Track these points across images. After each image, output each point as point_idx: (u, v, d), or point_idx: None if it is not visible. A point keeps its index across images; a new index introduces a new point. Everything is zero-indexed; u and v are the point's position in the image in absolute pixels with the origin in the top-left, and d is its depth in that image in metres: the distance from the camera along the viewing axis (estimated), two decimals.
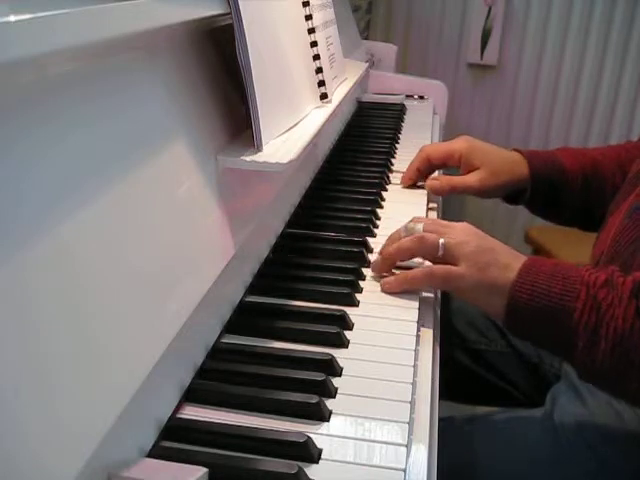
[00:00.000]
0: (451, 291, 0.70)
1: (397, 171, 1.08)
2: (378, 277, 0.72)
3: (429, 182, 0.97)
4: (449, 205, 1.04)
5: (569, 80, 2.05)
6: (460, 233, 0.67)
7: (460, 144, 0.96)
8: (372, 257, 0.77)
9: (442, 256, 0.66)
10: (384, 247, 0.72)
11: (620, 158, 0.95)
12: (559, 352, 0.64)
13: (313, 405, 0.50)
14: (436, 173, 1.02)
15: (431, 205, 0.98)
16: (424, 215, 0.92)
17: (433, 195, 0.99)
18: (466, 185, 0.94)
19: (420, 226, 0.70)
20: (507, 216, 2.03)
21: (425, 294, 0.71)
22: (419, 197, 0.98)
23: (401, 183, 1.03)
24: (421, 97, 1.65)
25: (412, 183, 1.02)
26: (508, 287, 0.62)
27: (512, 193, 0.97)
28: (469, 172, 0.94)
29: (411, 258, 0.71)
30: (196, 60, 0.60)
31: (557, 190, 0.94)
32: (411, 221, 0.72)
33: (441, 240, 0.66)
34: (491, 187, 0.93)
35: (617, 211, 0.81)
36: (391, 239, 0.72)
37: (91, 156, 0.41)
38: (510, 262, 0.64)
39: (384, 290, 0.69)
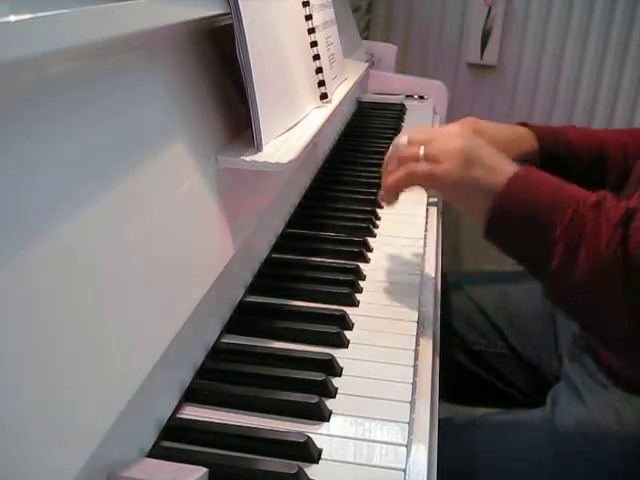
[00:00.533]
0: (436, 190, 0.69)
1: None
2: (375, 276, 0.72)
3: None
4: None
5: (569, 80, 2.05)
6: (443, 134, 0.66)
7: (467, 123, 0.96)
8: (372, 257, 0.77)
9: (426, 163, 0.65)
10: (384, 167, 0.71)
11: (626, 144, 0.95)
12: (532, 263, 0.61)
13: (313, 405, 0.50)
14: None
15: (431, 200, 0.98)
16: (424, 212, 0.92)
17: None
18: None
19: (404, 138, 0.68)
20: None
21: (425, 294, 0.71)
22: (419, 195, 0.98)
23: None
24: (421, 97, 1.64)
25: None
26: (493, 190, 0.60)
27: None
28: None
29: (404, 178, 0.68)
30: (196, 60, 0.60)
31: (562, 168, 0.94)
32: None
33: (421, 150, 0.65)
34: None
35: None
36: (386, 159, 0.71)
37: (91, 156, 0.41)
38: (495, 165, 0.62)
39: (385, 202, 0.70)
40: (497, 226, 0.61)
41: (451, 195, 0.65)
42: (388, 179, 0.67)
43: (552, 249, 0.57)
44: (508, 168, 0.62)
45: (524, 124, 0.98)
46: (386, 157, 0.71)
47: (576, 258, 0.56)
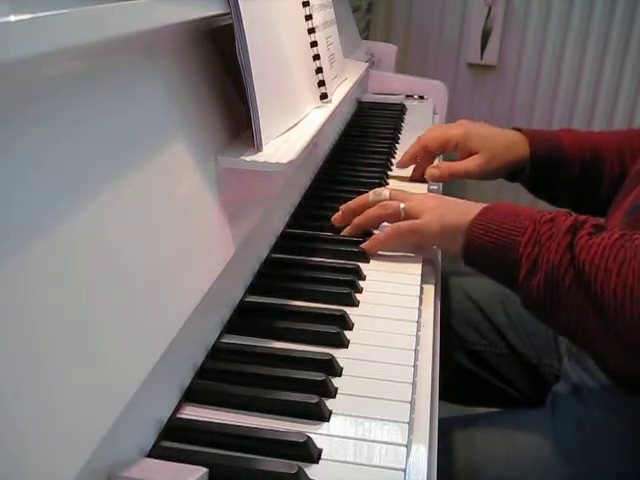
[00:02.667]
0: (419, 241, 0.76)
1: (394, 176, 1.07)
2: (375, 276, 0.72)
3: (429, 171, 0.98)
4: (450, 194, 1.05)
5: (569, 80, 2.06)
6: (420, 197, 0.77)
7: (456, 131, 0.97)
8: (372, 257, 0.77)
9: (404, 218, 0.75)
10: (348, 205, 0.81)
11: (622, 147, 0.95)
12: (508, 283, 0.68)
13: (313, 405, 0.50)
14: (436, 160, 1.02)
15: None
16: None
17: (433, 183, 1.00)
18: (466, 171, 0.95)
19: (387, 192, 0.79)
20: (509, 200, 2.03)
21: (425, 294, 0.71)
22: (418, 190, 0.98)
23: (397, 166, 1.05)
24: (421, 97, 1.64)
25: (407, 166, 1.04)
26: (465, 227, 0.69)
27: (511, 171, 0.97)
28: (468, 157, 0.95)
29: (378, 224, 0.79)
30: (196, 60, 0.60)
31: (555, 172, 0.95)
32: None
33: (402, 205, 0.75)
34: (491, 170, 0.95)
35: (618, 210, 0.81)
36: (358, 200, 0.80)
37: (91, 156, 0.41)
38: (466, 210, 0.71)
39: (368, 250, 0.76)
40: (472, 256, 0.70)
41: (432, 241, 0.75)
42: (379, 237, 0.76)
43: (518, 265, 0.64)
44: (475, 209, 0.70)
45: (518, 129, 0.98)
46: (363, 195, 0.80)
47: (536, 270, 0.63)
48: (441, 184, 1.03)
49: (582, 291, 0.60)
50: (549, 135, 0.98)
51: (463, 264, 0.72)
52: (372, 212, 0.78)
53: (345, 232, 0.80)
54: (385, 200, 0.78)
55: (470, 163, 0.95)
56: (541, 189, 1.00)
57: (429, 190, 0.98)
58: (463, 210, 0.71)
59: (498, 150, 0.95)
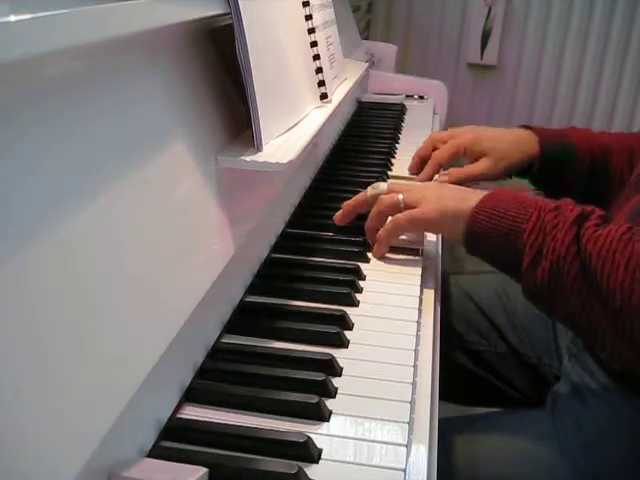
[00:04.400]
0: (421, 230, 0.77)
1: (393, 176, 1.07)
2: (375, 276, 0.72)
3: (440, 179, 0.98)
4: None
5: (569, 80, 2.06)
6: (419, 186, 0.77)
7: (464, 138, 0.98)
8: (372, 257, 0.77)
9: (404, 208, 0.74)
10: (348, 202, 0.81)
11: (632, 149, 0.95)
12: (510, 270, 0.67)
13: (313, 405, 0.50)
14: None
15: None
16: None
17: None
18: (475, 174, 0.96)
19: (384, 185, 0.78)
20: None
21: (425, 294, 0.71)
22: None
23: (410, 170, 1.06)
24: (421, 97, 1.64)
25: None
26: (467, 214, 0.68)
27: (522, 168, 0.98)
28: (475, 161, 0.97)
29: (384, 219, 0.77)
30: (196, 60, 0.60)
31: (564, 170, 0.95)
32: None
33: (400, 196, 0.74)
34: (500, 170, 0.96)
35: (620, 213, 0.81)
36: (357, 196, 0.80)
37: (91, 156, 0.41)
38: (466, 196, 0.70)
39: (377, 256, 0.76)
40: (474, 243, 0.69)
41: (434, 229, 0.76)
42: (381, 236, 0.76)
43: (522, 253, 0.63)
44: (476, 196, 0.70)
45: (526, 126, 0.98)
46: (360, 193, 0.80)
47: (540, 259, 0.62)
48: None
49: (587, 283, 0.59)
50: (559, 132, 0.98)
51: (465, 253, 0.71)
52: (373, 212, 0.77)
53: (374, 252, 0.77)
54: (382, 193, 0.77)
55: (479, 166, 0.96)
56: (548, 186, 1.00)
57: None
58: (464, 196, 0.71)
59: (506, 150, 0.96)
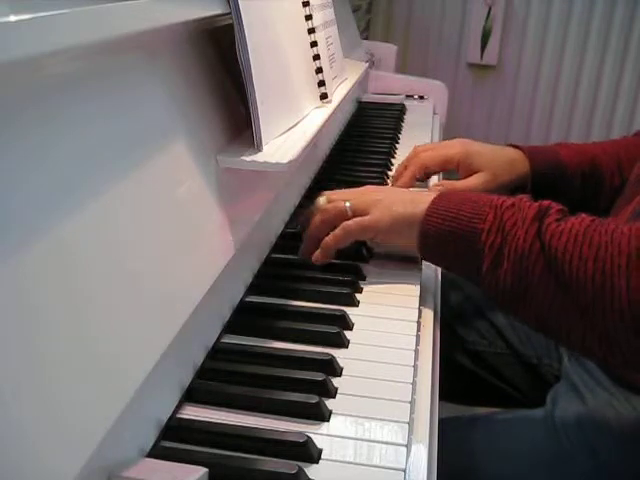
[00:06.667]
0: (372, 238, 0.72)
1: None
2: (375, 276, 0.72)
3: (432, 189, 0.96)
4: None
5: (569, 80, 2.06)
6: (363, 191, 0.73)
7: (456, 149, 0.96)
8: (372, 257, 0.77)
9: (352, 216, 0.70)
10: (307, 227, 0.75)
11: (619, 157, 0.95)
12: (469, 274, 0.65)
13: (313, 405, 0.50)
14: (434, 178, 1.02)
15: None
16: None
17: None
18: (469, 189, 0.94)
19: (323, 197, 0.74)
20: None
21: (425, 294, 0.71)
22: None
23: (395, 184, 1.00)
24: (421, 97, 1.64)
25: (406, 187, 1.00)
26: (419, 218, 0.66)
27: (513, 188, 0.97)
28: (468, 176, 0.94)
29: (328, 229, 0.72)
30: (196, 60, 0.60)
31: (556, 187, 0.95)
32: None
33: (347, 203, 0.71)
34: (495, 188, 0.94)
35: (620, 215, 0.81)
36: (314, 224, 0.74)
37: (91, 156, 0.41)
38: (415, 198, 0.68)
39: (316, 262, 0.71)
40: (428, 248, 0.67)
41: (385, 237, 0.70)
42: (327, 241, 0.70)
43: (481, 255, 0.61)
44: (426, 198, 0.67)
45: (515, 146, 0.97)
46: (303, 217, 0.76)
47: (502, 259, 0.60)
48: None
49: (554, 279, 0.57)
50: (547, 150, 0.97)
51: (422, 259, 0.68)
52: (315, 220, 0.72)
53: (316, 257, 0.72)
54: (324, 205, 0.72)
55: (474, 181, 0.94)
56: None
57: None
58: (414, 198, 0.68)
59: (500, 168, 0.94)
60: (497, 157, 0.95)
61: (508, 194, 0.98)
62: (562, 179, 0.94)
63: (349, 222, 0.70)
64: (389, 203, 0.69)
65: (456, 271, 0.67)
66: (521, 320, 0.69)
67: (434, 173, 1.00)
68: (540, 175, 0.94)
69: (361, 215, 0.70)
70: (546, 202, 0.62)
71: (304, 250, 0.74)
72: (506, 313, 0.66)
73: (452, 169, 0.97)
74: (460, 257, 0.64)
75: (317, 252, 0.71)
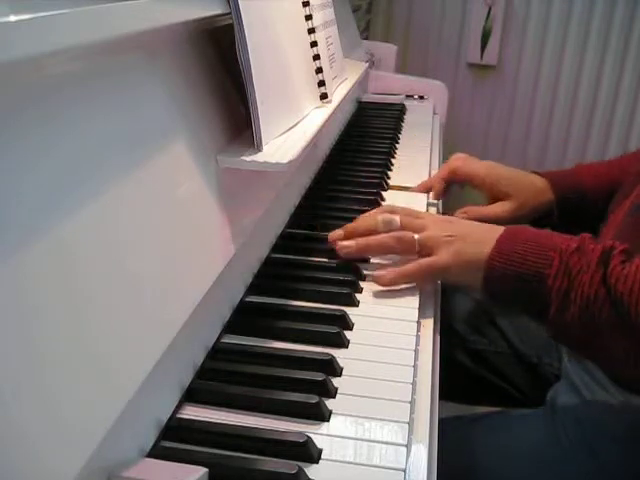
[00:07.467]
0: (438, 278, 0.73)
1: (393, 186, 1.06)
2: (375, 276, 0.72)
3: (459, 215, 0.96)
4: (448, 199, 1.04)
5: (569, 80, 2.05)
6: (431, 224, 0.73)
7: (484, 171, 0.97)
8: (372, 257, 0.77)
9: (419, 252, 0.71)
10: (353, 227, 0.75)
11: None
12: (535, 316, 0.66)
13: (313, 405, 0.50)
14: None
15: (430, 200, 0.99)
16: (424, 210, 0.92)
17: (433, 196, 1.00)
18: (496, 217, 0.94)
19: (397, 220, 0.74)
20: None
21: (425, 294, 0.71)
22: (419, 196, 0.98)
23: (417, 189, 1.02)
24: (421, 97, 1.64)
25: (428, 191, 1.01)
26: (484, 260, 0.66)
27: (537, 217, 0.97)
28: (494, 199, 0.96)
29: (389, 253, 0.74)
30: (196, 60, 0.60)
31: (581, 211, 0.95)
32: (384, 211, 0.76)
33: (416, 236, 0.71)
34: (521, 216, 0.95)
35: (618, 209, 0.81)
36: (364, 224, 0.75)
37: (91, 156, 0.41)
38: (482, 237, 0.68)
39: (383, 285, 0.70)
40: (494, 291, 0.67)
41: (451, 278, 0.71)
42: (404, 273, 0.70)
43: (547, 299, 0.62)
44: (493, 235, 0.67)
45: (537, 173, 0.98)
46: (369, 218, 0.75)
47: (569, 302, 0.61)
48: (441, 200, 1.03)
49: (620, 322, 0.59)
50: (568, 175, 0.98)
51: (486, 301, 0.70)
52: (386, 241, 0.73)
53: (344, 252, 0.74)
54: (396, 229, 0.73)
55: (501, 208, 0.94)
56: (571, 228, 0.99)
57: (428, 204, 0.98)
58: (479, 238, 0.68)
59: (529, 197, 0.95)
60: (524, 186, 0.96)
61: (531, 221, 0.99)
62: (586, 204, 0.95)
63: (422, 264, 0.70)
64: (457, 246, 0.69)
65: (521, 311, 0.68)
66: (585, 357, 0.71)
67: (457, 182, 1.01)
68: (564, 202, 0.95)
69: (428, 253, 0.70)
70: (608, 243, 0.63)
71: (349, 252, 0.74)
72: (569, 349, 0.67)
73: (473, 186, 0.98)
74: (526, 300, 0.65)
75: (387, 277, 0.70)
